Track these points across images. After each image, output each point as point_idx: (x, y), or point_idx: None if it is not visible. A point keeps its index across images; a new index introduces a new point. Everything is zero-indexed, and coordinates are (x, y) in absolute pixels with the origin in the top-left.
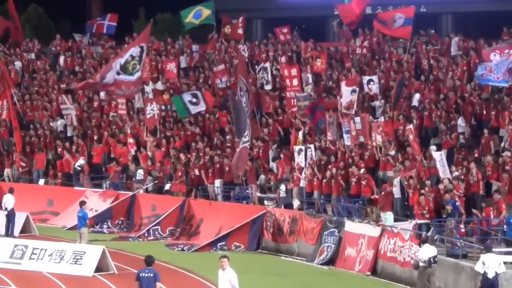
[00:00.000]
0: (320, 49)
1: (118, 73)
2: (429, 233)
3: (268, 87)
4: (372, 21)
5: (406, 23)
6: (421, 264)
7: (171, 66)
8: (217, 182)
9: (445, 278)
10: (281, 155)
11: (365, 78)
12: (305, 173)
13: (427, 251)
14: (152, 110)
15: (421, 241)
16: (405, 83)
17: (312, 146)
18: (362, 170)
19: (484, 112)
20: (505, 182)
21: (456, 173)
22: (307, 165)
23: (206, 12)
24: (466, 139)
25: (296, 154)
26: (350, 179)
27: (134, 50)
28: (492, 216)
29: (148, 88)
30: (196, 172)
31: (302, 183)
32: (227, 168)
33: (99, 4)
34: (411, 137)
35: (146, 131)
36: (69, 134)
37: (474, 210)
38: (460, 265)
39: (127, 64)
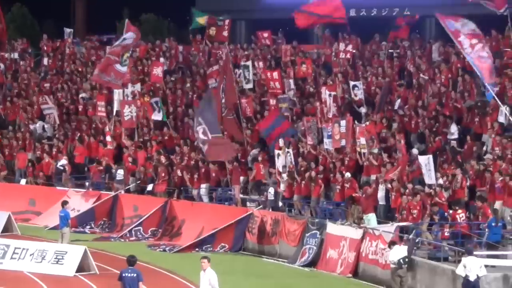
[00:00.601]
0: (303, 54)
1: (116, 62)
2: (410, 236)
3: (248, 86)
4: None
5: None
6: (392, 265)
7: (158, 70)
8: (203, 186)
9: (426, 281)
10: (259, 158)
11: (350, 83)
12: (283, 178)
13: (397, 253)
14: (130, 112)
15: (390, 242)
16: (390, 88)
17: (291, 151)
18: (347, 174)
19: (468, 119)
20: (487, 183)
21: (441, 181)
22: (286, 170)
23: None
24: (453, 146)
25: (275, 159)
26: (334, 185)
27: (127, 35)
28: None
29: (128, 91)
30: (179, 173)
31: (282, 187)
32: (213, 174)
33: (84, 4)
34: (402, 142)
35: (123, 134)
36: (49, 134)
37: (446, 213)
38: (441, 268)
39: (124, 52)
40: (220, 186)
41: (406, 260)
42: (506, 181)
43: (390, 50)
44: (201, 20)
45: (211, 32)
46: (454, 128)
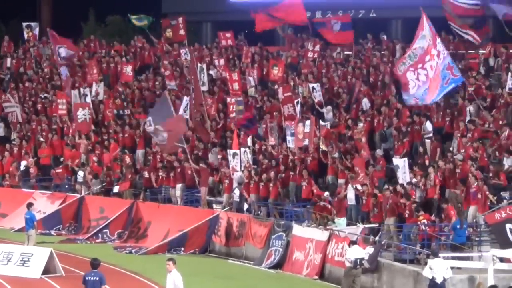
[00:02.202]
0: (275, 55)
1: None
2: (376, 238)
3: (203, 88)
4: (313, 27)
5: (344, 28)
6: (347, 264)
7: (128, 69)
8: (178, 187)
9: (393, 283)
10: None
11: (310, 85)
12: (241, 179)
13: (355, 252)
14: (84, 115)
15: (351, 241)
16: (359, 89)
17: (247, 149)
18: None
19: (440, 119)
20: (458, 185)
21: (414, 180)
22: (242, 168)
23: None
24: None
25: (230, 158)
26: (293, 184)
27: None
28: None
29: (93, 90)
30: (146, 174)
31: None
32: (189, 172)
33: (49, 6)
34: (363, 140)
35: (77, 135)
36: (11, 136)
37: (416, 214)
38: (407, 269)
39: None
40: (195, 187)
41: (363, 262)
42: (479, 186)
43: (346, 52)
44: (136, 23)
45: (168, 34)
46: (429, 126)
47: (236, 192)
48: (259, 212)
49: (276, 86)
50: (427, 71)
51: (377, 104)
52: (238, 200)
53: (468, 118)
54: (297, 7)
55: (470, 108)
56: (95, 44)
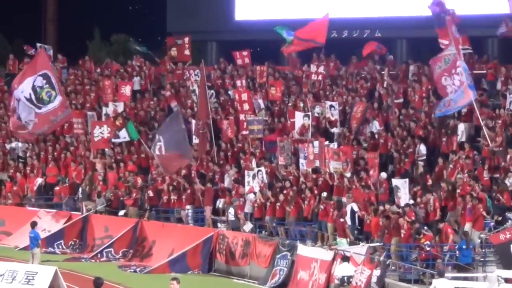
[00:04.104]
0: (275, 77)
1: (38, 107)
2: (381, 258)
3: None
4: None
5: None
6: (336, 281)
7: (126, 89)
8: (188, 207)
9: None
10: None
11: (327, 103)
12: (254, 199)
13: (344, 269)
14: (101, 133)
15: (343, 257)
16: (367, 111)
17: (263, 169)
18: (325, 194)
19: (436, 138)
20: (459, 204)
21: (412, 201)
22: (258, 189)
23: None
24: (424, 166)
25: (250, 179)
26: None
27: (37, 80)
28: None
29: (109, 110)
30: (150, 193)
31: (248, 208)
32: (199, 194)
33: (55, 25)
34: (376, 161)
35: (92, 154)
36: (21, 154)
37: (417, 237)
38: None
39: (39, 95)
40: (202, 207)
41: (350, 280)
42: (474, 204)
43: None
44: (138, 48)
45: (173, 53)
46: (423, 149)
47: (231, 211)
48: (275, 233)
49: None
50: (459, 76)
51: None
52: (233, 219)
53: (463, 138)
54: (321, 27)
55: (461, 126)
56: (90, 64)
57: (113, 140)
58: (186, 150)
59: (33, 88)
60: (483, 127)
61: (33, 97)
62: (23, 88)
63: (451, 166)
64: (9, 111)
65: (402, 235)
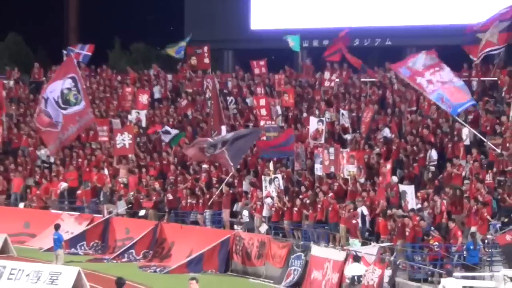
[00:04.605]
0: (291, 84)
1: (64, 109)
2: (392, 258)
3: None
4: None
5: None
6: (347, 280)
7: (143, 97)
8: (207, 212)
9: None
10: (257, 183)
11: (340, 111)
12: (272, 203)
13: (354, 269)
14: (123, 140)
15: (354, 257)
16: (375, 117)
17: (279, 175)
18: (331, 195)
19: (443, 144)
20: (466, 208)
21: (419, 205)
22: (275, 194)
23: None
24: (434, 171)
25: (267, 184)
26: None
27: (66, 83)
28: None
29: (131, 117)
30: (170, 196)
31: (266, 212)
32: (215, 197)
33: (76, 33)
34: (388, 166)
35: (115, 160)
36: (50, 160)
37: (426, 238)
38: None
39: (66, 96)
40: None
41: (361, 279)
42: (479, 207)
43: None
44: (171, 51)
45: (193, 61)
46: (434, 154)
47: (245, 213)
48: (289, 235)
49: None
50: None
51: (394, 132)
52: (248, 220)
53: (467, 141)
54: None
55: (465, 131)
56: (107, 72)
57: (162, 135)
58: (235, 163)
59: (61, 91)
60: (486, 136)
61: (60, 100)
62: (53, 89)
63: (455, 170)
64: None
65: (406, 237)
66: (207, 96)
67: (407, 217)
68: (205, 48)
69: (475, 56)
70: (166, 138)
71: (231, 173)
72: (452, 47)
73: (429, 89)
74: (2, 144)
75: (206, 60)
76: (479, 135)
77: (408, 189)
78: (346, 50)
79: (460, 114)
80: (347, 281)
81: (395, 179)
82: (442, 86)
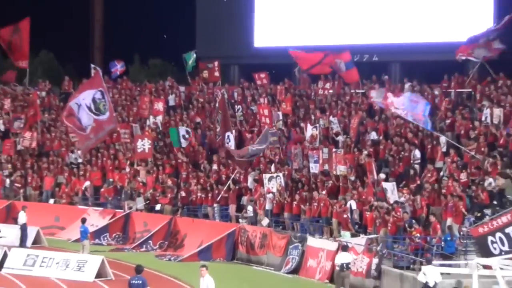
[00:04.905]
0: (291, 93)
1: (97, 115)
2: (378, 248)
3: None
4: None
5: (348, 66)
6: (337, 268)
7: (159, 105)
8: (216, 206)
9: (393, 286)
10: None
11: (330, 118)
12: (273, 197)
13: (343, 257)
14: (143, 145)
15: (343, 247)
16: (363, 122)
17: (281, 174)
18: (323, 193)
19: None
20: (443, 203)
21: (402, 199)
22: (276, 190)
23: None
24: (414, 169)
25: (266, 181)
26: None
27: (95, 94)
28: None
29: (149, 121)
30: (183, 193)
31: (268, 206)
32: (223, 193)
33: (101, 50)
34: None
35: (136, 162)
36: (79, 160)
37: (409, 230)
38: (404, 275)
39: (98, 105)
40: (227, 205)
41: (349, 266)
42: (455, 201)
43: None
44: (191, 61)
45: (204, 75)
46: (418, 154)
47: (250, 208)
48: (290, 227)
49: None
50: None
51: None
52: (251, 215)
53: (444, 149)
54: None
55: (443, 138)
56: (127, 83)
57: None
58: (245, 161)
59: (93, 99)
60: (461, 138)
61: (92, 106)
62: (85, 96)
63: (432, 167)
64: (65, 116)
65: (389, 228)
66: (216, 105)
67: (391, 209)
68: (216, 63)
69: (461, 52)
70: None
71: (236, 171)
72: (432, 62)
73: (403, 113)
74: (37, 146)
75: (217, 74)
76: (456, 143)
77: (389, 186)
78: (341, 70)
79: (434, 127)
80: (337, 268)
81: (382, 176)
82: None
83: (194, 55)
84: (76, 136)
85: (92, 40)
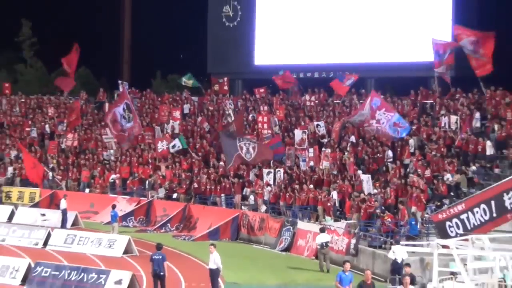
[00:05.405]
0: (285, 103)
1: (128, 122)
2: (355, 230)
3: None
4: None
5: (350, 83)
6: (318, 246)
7: (176, 113)
8: (223, 196)
9: (367, 263)
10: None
11: (315, 123)
12: (271, 188)
13: (322, 238)
14: (162, 146)
15: (320, 229)
16: (345, 126)
17: (281, 169)
18: (311, 186)
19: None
20: (409, 194)
21: (375, 191)
22: (275, 183)
23: (191, 80)
24: (387, 166)
25: (265, 175)
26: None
27: (124, 105)
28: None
29: (168, 126)
30: (195, 185)
31: (266, 196)
32: (228, 186)
33: (128, 66)
34: (351, 159)
35: (157, 160)
36: (111, 158)
37: (381, 216)
38: (377, 253)
39: (125, 114)
40: (232, 195)
41: (328, 244)
42: (418, 193)
43: (336, 101)
44: (188, 82)
45: (215, 88)
46: (390, 153)
47: (251, 197)
48: (283, 213)
49: (286, 125)
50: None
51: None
52: (253, 203)
53: (412, 149)
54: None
55: (411, 141)
56: (150, 95)
57: (171, 149)
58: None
59: (123, 109)
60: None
61: (124, 114)
62: (119, 108)
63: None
64: (107, 121)
65: (362, 213)
66: (226, 112)
67: (367, 199)
68: (225, 79)
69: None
70: (174, 148)
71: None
72: (402, 78)
73: (383, 126)
74: (78, 146)
75: (226, 87)
76: (425, 145)
77: (365, 178)
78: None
79: (408, 131)
80: (318, 246)
81: (359, 172)
82: (387, 122)
83: (190, 75)
84: (117, 137)
85: (122, 56)
